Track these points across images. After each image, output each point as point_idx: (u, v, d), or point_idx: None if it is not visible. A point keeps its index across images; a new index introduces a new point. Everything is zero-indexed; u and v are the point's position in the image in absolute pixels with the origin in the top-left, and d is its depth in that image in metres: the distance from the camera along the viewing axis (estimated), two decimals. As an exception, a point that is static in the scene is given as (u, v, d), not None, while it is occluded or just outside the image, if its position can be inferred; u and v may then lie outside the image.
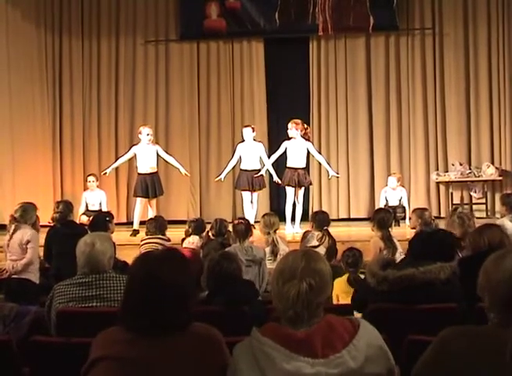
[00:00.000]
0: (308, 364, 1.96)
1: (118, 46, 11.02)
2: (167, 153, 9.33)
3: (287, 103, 10.72)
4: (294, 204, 8.91)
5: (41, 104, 10.53)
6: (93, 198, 9.63)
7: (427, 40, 10.73)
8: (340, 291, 4.88)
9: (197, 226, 6.48)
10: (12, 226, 5.91)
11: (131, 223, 9.42)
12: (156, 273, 2.19)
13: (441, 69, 10.68)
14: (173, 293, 2.17)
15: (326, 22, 10.53)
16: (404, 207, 9.49)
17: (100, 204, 9.56)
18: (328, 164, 9.36)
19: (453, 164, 10.47)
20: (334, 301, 4.81)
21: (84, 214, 9.36)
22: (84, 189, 9.93)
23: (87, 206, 9.58)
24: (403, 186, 9.84)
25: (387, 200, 9.54)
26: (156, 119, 10.96)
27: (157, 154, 9.08)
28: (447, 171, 10.53)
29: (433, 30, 10.67)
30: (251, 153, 9.05)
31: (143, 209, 9.02)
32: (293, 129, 8.83)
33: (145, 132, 9.01)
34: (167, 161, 9.34)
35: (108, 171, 9.29)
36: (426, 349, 2.00)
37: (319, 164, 9.79)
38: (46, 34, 10.64)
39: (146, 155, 8.98)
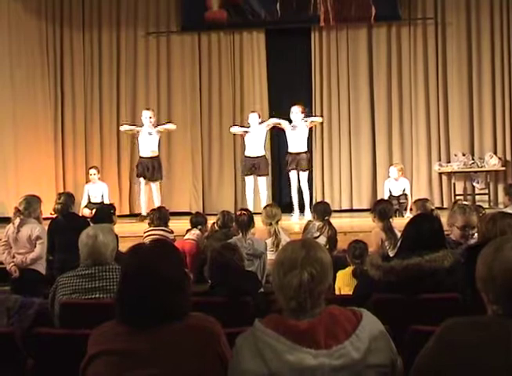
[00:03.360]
0: (311, 355, 1.96)
1: (119, 38, 10.99)
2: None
3: (289, 95, 10.67)
4: (301, 191, 9.02)
5: (43, 96, 10.52)
6: (95, 191, 9.63)
7: (429, 30, 10.67)
8: (343, 284, 4.84)
9: (196, 221, 6.61)
10: (17, 219, 5.94)
11: (134, 215, 9.43)
12: (151, 266, 2.18)
13: (444, 59, 10.63)
14: (168, 285, 2.16)
15: (328, 12, 10.48)
16: (406, 195, 9.50)
17: (102, 196, 9.58)
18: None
19: (456, 155, 10.45)
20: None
21: (86, 207, 9.36)
22: (87, 181, 9.94)
23: (89, 199, 9.59)
24: (405, 178, 9.83)
25: (390, 192, 9.54)
26: (158, 111, 10.90)
27: (159, 140, 9.24)
28: (449, 162, 10.51)
29: (435, 19, 10.62)
30: (256, 139, 9.18)
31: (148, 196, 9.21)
32: (299, 113, 8.97)
33: (144, 115, 9.28)
34: (167, 129, 9.56)
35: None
36: (429, 340, 1.99)
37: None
38: (47, 25, 10.62)
39: (147, 139, 9.09)
